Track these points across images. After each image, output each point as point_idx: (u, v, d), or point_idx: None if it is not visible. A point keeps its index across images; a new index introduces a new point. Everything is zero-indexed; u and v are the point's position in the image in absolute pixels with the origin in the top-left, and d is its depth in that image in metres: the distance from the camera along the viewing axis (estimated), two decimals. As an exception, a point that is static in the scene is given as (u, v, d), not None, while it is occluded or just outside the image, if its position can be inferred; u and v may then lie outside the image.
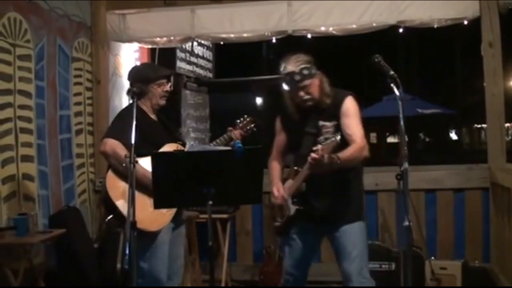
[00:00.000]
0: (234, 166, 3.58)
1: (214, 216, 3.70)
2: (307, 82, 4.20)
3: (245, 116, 4.90)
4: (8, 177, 5.33)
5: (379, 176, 6.66)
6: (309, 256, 4.54)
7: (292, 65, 4.21)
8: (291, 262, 4.50)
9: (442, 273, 5.97)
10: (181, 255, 4.74)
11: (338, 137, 3.83)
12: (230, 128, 4.88)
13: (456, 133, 35.22)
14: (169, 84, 4.56)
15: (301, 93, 4.23)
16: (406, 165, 3.54)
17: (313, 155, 3.75)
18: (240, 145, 3.57)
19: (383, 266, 5.98)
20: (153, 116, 4.56)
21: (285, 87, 4.32)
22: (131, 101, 4.30)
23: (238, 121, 4.87)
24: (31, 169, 5.68)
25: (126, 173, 4.17)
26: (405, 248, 3.75)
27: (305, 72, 4.18)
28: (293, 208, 4.32)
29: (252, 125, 4.83)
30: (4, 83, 5.33)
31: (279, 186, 4.40)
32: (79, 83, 6.63)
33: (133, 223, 3.65)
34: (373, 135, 34.88)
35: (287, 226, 4.46)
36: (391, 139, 32.94)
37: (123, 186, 4.23)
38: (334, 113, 4.20)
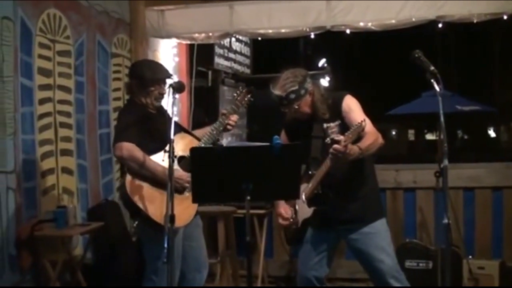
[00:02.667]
0: (272, 162, 3.56)
1: (251, 211, 3.70)
2: (295, 105, 4.17)
3: (240, 88, 4.79)
4: (47, 170, 5.41)
5: (417, 173, 6.65)
6: (330, 255, 4.47)
7: (279, 89, 4.15)
8: (312, 264, 4.41)
9: (480, 273, 5.92)
10: (204, 247, 4.73)
11: (364, 122, 3.83)
12: (223, 111, 4.67)
13: (494, 131, 34.85)
14: (165, 87, 4.40)
15: (293, 111, 4.22)
16: (446, 162, 3.51)
17: (336, 146, 3.74)
18: (278, 141, 3.56)
19: (421, 264, 5.94)
20: (153, 111, 4.49)
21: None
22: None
23: (235, 94, 4.69)
24: (70, 163, 5.75)
25: (146, 174, 4.20)
26: (444, 246, 3.72)
27: (292, 96, 4.13)
28: (310, 210, 4.29)
29: (249, 96, 4.72)
30: (44, 78, 5.40)
31: (286, 207, 4.38)
32: (118, 79, 6.69)
33: (172, 216, 3.66)
34: (411, 132, 34.71)
35: (301, 232, 4.42)
36: (429, 136, 32.71)
37: (144, 188, 4.22)
38: (335, 113, 4.19)
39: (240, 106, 4.67)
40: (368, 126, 4.00)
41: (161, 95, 4.44)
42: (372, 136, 4.02)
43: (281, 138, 4.43)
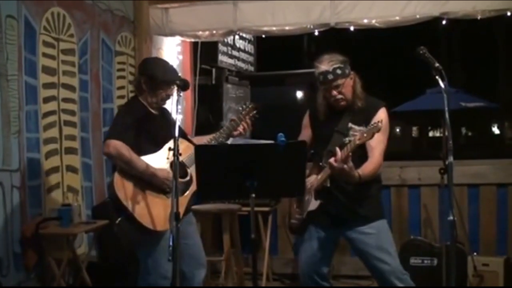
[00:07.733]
0: (276, 159, 3.58)
1: (256, 209, 3.71)
2: (340, 81, 4.20)
3: (247, 103, 4.80)
4: (52, 168, 5.41)
5: (422, 170, 6.64)
6: (330, 253, 4.51)
7: (325, 64, 4.21)
8: (315, 261, 4.44)
9: (484, 270, 5.93)
10: (200, 244, 4.73)
11: (359, 141, 3.84)
12: (233, 118, 4.70)
13: (498, 128, 34.78)
14: (172, 90, 4.36)
15: (334, 92, 4.23)
16: (451, 158, 3.51)
17: (331, 161, 3.76)
18: (283, 138, 3.56)
19: (425, 261, 5.94)
20: (155, 112, 4.46)
21: (319, 86, 4.34)
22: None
23: (241, 108, 4.72)
24: (75, 161, 5.76)
25: (133, 173, 4.18)
26: (448, 243, 3.72)
27: (338, 71, 4.19)
28: (316, 203, 4.30)
29: (255, 112, 4.73)
30: (48, 77, 5.40)
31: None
32: (122, 77, 6.69)
33: (177, 214, 3.66)
34: (415, 129, 34.69)
35: (306, 223, 4.43)
36: (432, 133, 32.67)
37: (131, 186, 4.21)
38: (365, 119, 4.19)
39: (243, 120, 4.65)
40: (377, 152, 4.10)
41: (167, 97, 4.43)
42: (375, 165, 4.10)
43: (304, 121, 4.54)
